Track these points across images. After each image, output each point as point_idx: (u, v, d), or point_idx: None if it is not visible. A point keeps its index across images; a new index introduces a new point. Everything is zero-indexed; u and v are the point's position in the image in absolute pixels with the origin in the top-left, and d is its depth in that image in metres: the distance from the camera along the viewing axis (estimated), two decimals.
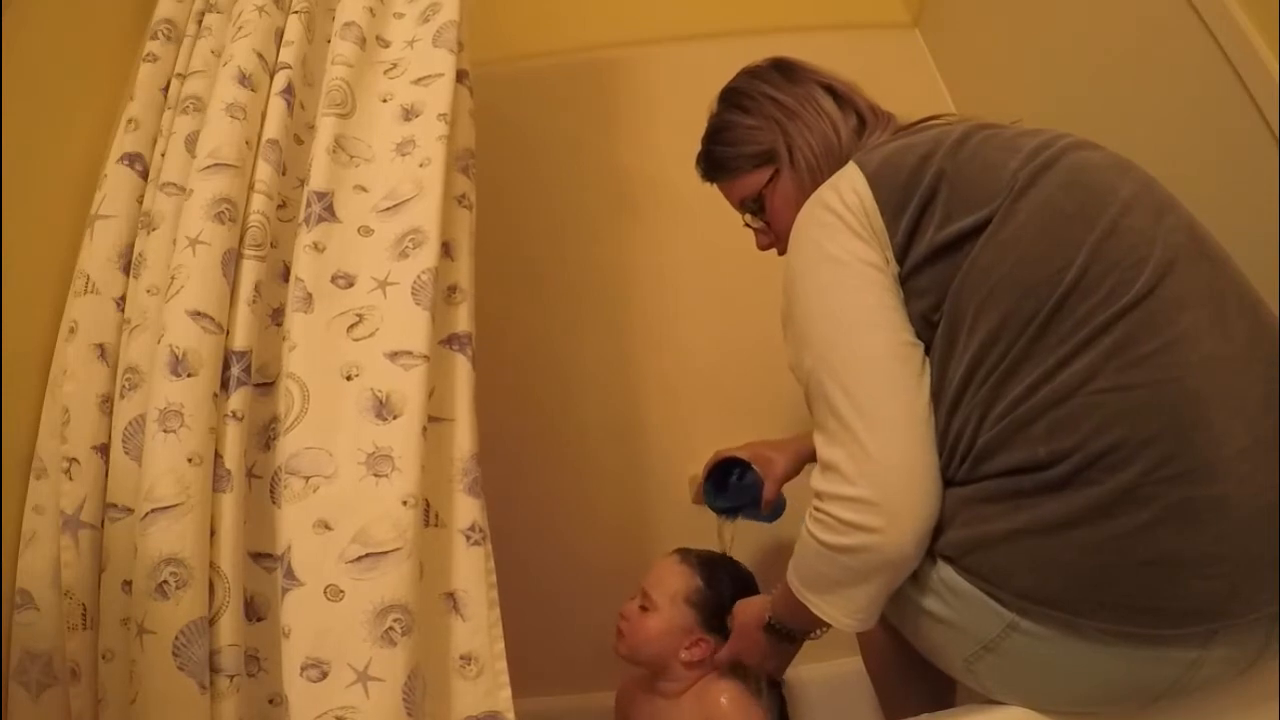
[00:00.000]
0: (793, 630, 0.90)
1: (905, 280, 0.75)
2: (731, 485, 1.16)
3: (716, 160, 1.00)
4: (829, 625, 0.78)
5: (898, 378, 0.72)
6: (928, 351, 0.75)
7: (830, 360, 0.73)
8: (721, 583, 1.06)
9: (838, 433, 0.71)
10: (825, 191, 0.81)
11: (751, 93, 0.96)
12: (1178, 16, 1.10)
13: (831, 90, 0.94)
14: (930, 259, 0.74)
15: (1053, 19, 1.43)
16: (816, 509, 0.72)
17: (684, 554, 1.11)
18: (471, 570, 0.79)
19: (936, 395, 0.73)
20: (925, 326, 0.75)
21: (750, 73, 0.99)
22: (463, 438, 0.84)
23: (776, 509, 1.12)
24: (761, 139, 0.94)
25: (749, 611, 0.97)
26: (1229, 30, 1.03)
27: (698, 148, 1.02)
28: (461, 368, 0.88)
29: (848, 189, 0.78)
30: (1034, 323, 0.68)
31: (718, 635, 1.03)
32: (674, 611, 1.04)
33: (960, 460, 0.71)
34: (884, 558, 0.69)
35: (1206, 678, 0.67)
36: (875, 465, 0.69)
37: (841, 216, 0.77)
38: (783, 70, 0.97)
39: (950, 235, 0.73)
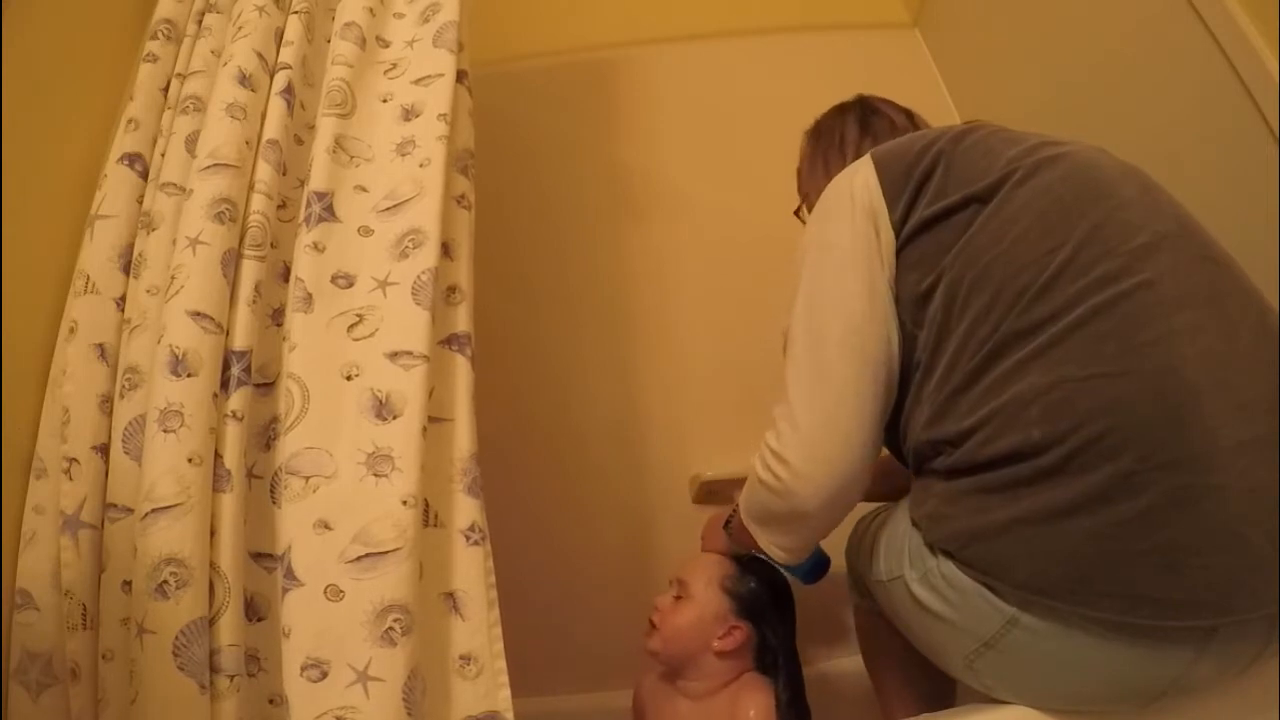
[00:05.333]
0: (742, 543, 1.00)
1: (899, 252, 0.80)
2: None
3: None
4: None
5: (846, 361, 0.78)
6: (926, 327, 0.77)
7: (798, 330, 0.81)
8: (758, 571, 1.05)
9: (785, 393, 0.80)
10: (839, 178, 0.87)
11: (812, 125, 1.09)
12: (1178, 16, 1.10)
13: (859, 118, 1.02)
14: (920, 231, 0.78)
15: (1053, 19, 1.43)
16: (763, 449, 0.82)
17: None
18: (471, 570, 0.79)
19: (931, 368, 0.76)
20: (918, 299, 0.78)
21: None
22: (462, 438, 0.84)
23: (815, 566, 1.09)
24: (804, 161, 1.07)
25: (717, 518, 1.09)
26: (1229, 30, 1.03)
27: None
28: (461, 368, 0.88)
29: (858, 174, 0.84)
30: (1024, 299, 0.70)
31: (752, 625, 1.01)
32: (709, 596, 1.02)
33: (953, 435, 0.72)
34: (789, 508, 0.80)
35: (1207, 676, 0.67)
36: (799, 437, 0.77)
37: (843, 201, 0.83)
38: (842, 106, 1.07)
39: (939, 210, 0.78)
